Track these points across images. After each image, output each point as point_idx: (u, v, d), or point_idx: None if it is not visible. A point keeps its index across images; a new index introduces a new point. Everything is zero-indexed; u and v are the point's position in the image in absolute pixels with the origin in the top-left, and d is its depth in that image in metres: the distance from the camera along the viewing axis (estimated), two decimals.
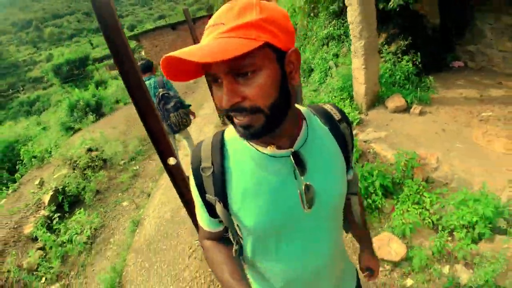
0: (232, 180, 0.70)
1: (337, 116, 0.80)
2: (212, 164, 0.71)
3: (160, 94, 3.34)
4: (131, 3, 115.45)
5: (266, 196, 0.68)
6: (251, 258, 0.81)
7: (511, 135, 2.47)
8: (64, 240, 3.56)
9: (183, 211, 3.26)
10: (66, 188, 4.45)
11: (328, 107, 0.82)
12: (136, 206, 4.04)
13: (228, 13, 0.53)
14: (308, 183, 0.67)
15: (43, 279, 3.20)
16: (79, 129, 8.10)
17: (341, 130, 0.78)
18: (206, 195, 0.73)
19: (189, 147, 3.96)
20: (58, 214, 4.01)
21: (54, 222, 3.87)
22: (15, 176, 5.66)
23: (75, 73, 29.88)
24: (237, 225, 0.75)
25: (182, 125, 3.48)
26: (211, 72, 0.56)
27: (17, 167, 6.15)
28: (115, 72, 28.84)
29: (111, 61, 36.77)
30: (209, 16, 18.82)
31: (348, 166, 0.81)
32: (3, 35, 77.80)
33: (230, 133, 0.74)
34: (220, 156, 0.71)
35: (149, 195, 4.21)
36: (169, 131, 3.49)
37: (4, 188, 5.46)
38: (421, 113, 3.30)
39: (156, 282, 2.71)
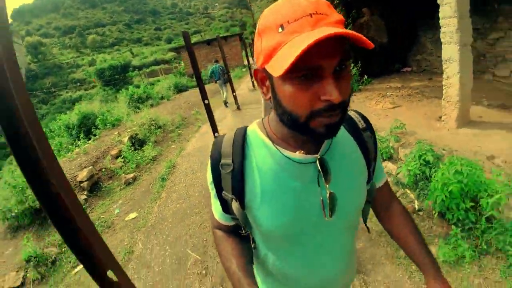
0: (252, 180, 0.69)
1: (361, 124, 0.78)
2: (233, 161, 0.69)
3: (221, 70, 9.14)
4: (170, 17, 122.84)
5: (288, 201, 0.67)
6: (263, 257, 0.81)
7: (392, 102, 4.56)
8: (138, 158, 5.90)
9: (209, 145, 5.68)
10: (137, 135, 6.84)
11: (353, 114, 0.80)
12: (180, 147, 6.38)
13: (323, 6, 0.51)
14: (331, 191, 0.65)
15: (123, 173, 5.52)
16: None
17: (364, 138, 0.76)
18: (223, 192, 0.72)
19: (226, 92, 9.51)
20: (133, 147, 6.38)
21: (130, 151, 6.22)
22: (96, 132, 8.11)
23: (116, 77, 33.43)
24: (253, 223, 0.74)
25: (226, 80, 9.13)
26: (314, 64, 0.49)
27: (92, 130, 8.63)
28: (152, 79, 32.48)
29: (148, 69, 41.07)
30: (225, 38, 22.41)
31: (371, 176, 0.79)
32: (47, 38, 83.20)
33: (254, 133, 0.72)
34: (241, 154, 0.70)
35: (187, 141, 6.59)
36: (222, 83, 9.23)
37: (86, 140, 7.91)
38: None
39: (193, 167, 4.95)
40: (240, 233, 0.82)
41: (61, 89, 52.35)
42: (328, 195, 0.65)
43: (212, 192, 0.78)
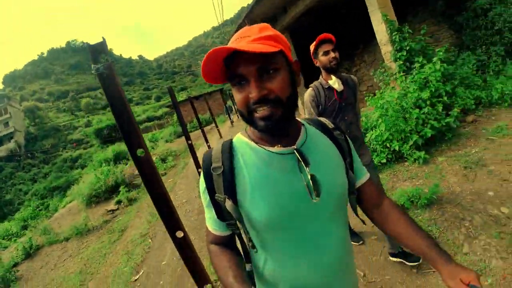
0: (241, 178, 0.79)
1: (330, 125, 0.94)
2: (223, 164, 0.80)
3: (229, 107, 16.18)
4: (156, 78, 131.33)
5: (275, 190, 0.76)
6: (259, 260, 0.86)
7: None
8: (164, 166, 10.58)
9: None
10: (160, 156, 11.60)
11: (323, 119, 0.97)
12: (184, 162, 11.08)
13: (251, 30, 0.72)
14: (313, 174, 0.76)
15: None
16: None
17: (335, 136, 0.91)
18: (216, 194, 0.80)
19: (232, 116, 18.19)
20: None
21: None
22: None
23: (113, 135, 37.95)
24: (247, 220, 0.80)
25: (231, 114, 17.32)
26: (239, 73, 0.71)
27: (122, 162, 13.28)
28: (145, 134, 37.54)
29: (142, 126, 45.37)
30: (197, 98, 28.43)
31: (348, 168, 0.89)
32: (41, 103, 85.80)
33: (239, 139, 0.86)
34: (229, 156, 0.81)
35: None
36: (229, 113, 19.50)
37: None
38: None
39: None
40: (234, 244, 0.92)
41: (61, 150, 56.30)
42: (309, 177, 0.75)
43: (205, 200, 0.86)
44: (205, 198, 0.85)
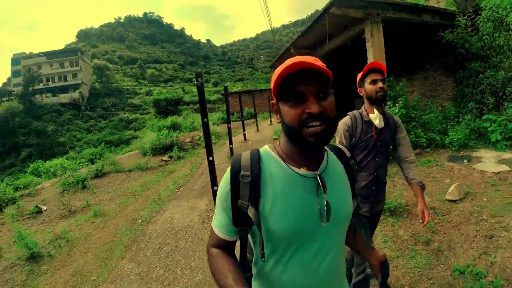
0: (265, 189, 0.87)
1: (348, 154, 1.04)
2: (251, 173, 0.87)
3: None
4: (219, 64, 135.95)
5: (293, 206, 0.85)
6: (265, 262, 0.92)
7: None
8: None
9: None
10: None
11: (341, 147, 1.06)
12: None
13: (307, 59, 0.79)
14: (327, 200, 0.85)
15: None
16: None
17: (350, 164, 1.02)
18: (239, 200, 0.87)
19: None
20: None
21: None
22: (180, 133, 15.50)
23: (169, 108, 41.40)
24: (264, 229, 0.87)
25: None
26: (299, 90, 0.80)
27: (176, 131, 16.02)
28: (197, 114, 40.10)
29: (196, 106, 47.16)
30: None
31: (354, 194, 1.01)
32: (111, 64, 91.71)
33: (267, 152, 0.94)
34: (258, 167, 0.88)
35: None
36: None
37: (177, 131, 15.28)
38: None
39: None
40: (234, 251, 0.97)
41: (119, 110, 61.85)
42: (325, 203, 0.85)
43: (224, 203, 0.91)
44: (224, 200, 0.90)
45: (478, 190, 4.07)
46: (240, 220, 0.88)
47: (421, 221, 1.96)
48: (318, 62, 0.79)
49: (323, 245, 0.89)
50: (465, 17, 7.04)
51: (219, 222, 0.94)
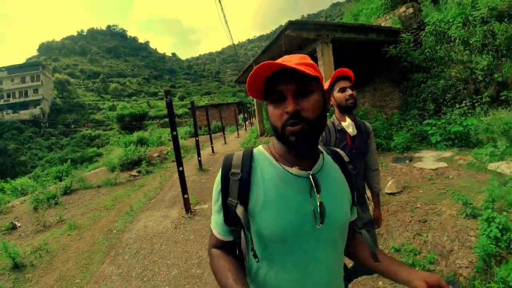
0: (256, 188, 0.84)
1: (346, 158, 1.01)
2: (241, 171, 0.86)
3: (242, 118, 20.85)
4: (185, 78, 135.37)
5: (285, 207, 0.82)
6: (257, 268, 0.88)
7: None
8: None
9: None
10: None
11: (340, 151, 1.03)
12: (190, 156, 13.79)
13: (293, 57, 0.80)
14: (321, 201, 0.82)
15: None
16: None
17: (348, 169, 0.98)
18: (229, 198, 0.86)
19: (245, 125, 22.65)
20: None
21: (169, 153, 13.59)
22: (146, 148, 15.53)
23: (134, 123, 40.53)
24: (254, 230, 0.84)
25: (246, 120, 22.63)
26: (279, 90, 0.79)
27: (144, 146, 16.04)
28: (163, 129, 40.04)
29: (162, 121, 47.65)
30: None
31: (354, 201, 0.98)
32: (72, 78, 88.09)
33: (260, 152, 0.92)
34: (249, 166, 0.87)
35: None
36: (244, 122, 27.02)
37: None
38: None
39: None
40: (235, 251, 0.95)
41: (81, 126, 59.28)
42: (318, 204, 0.81)
43: (217, 202, 0.90)
44: (217, 200, 0.90)
45: (415, 184, 4.68)
46: (231, 219, 0.87)
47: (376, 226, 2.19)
48: (305, 60, 0.81)
49: (317, 248, 0.86)
50: (409, 33, 7.92)
51: (215, 223, 0.93)
